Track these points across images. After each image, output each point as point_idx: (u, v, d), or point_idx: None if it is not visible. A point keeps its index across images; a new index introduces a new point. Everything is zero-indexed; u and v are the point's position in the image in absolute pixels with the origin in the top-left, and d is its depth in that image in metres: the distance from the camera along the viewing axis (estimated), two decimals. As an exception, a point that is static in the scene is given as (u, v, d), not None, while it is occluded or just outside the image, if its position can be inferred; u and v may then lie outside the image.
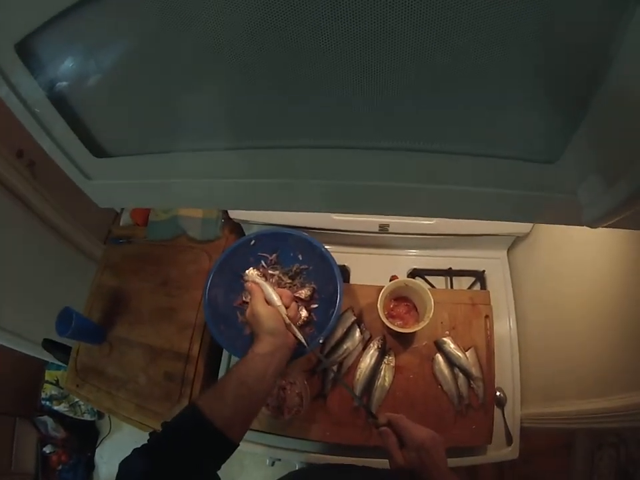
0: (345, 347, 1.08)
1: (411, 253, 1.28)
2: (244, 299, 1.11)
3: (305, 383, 1.06)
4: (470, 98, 0.46)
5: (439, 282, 1.23)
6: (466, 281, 1.23)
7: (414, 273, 1.23)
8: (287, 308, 0.89)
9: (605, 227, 0.54)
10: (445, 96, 0.46)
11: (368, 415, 0.82)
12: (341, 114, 0.50)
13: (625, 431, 1.18)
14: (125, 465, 0.63)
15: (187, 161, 0.61)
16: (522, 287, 1.20)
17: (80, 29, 0.45)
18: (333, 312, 1.00)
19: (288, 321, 0.86)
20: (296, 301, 1.10)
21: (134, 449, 0.65)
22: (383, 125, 0.50)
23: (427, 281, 1.21)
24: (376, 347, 1.09)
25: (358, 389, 1.06)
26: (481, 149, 0.51)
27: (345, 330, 1.10)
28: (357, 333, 1.10)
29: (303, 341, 0.88)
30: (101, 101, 0.56)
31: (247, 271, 1.13)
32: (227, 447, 0.69)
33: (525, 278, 1.20)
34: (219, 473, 0.69)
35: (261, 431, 1.07)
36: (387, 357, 1.08)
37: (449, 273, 1.23)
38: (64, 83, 0.52)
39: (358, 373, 1.07)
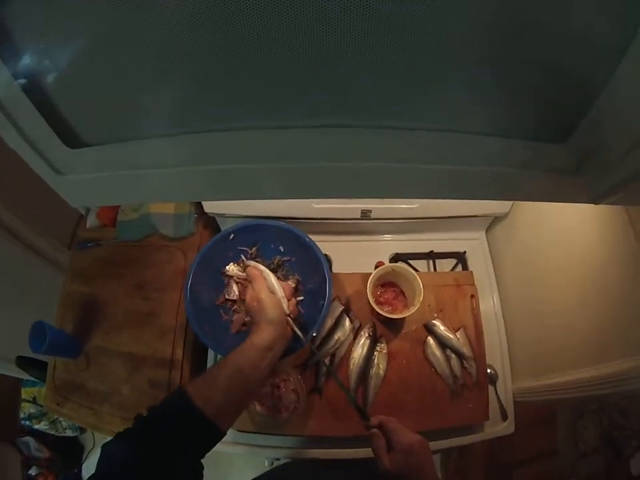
0: (336, 337, 1.07)
1: (391, 238, 1.27)
2: (227, 296, 1.07)
3: (299, 377, 1.04)
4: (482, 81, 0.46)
5: (421, 265, 1.23)
6: (447, 263, 1.24)
7: (396, 258, 1.23)
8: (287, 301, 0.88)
9: (607, 203, 0.56)
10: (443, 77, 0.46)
11: (360, 416, 0.83)
12: (324, 88, 0.48)
13: (606, 397, 1.23)
14: (107, 448, 0.61)
15: (165, 147, 0.57)
16: (502, 266, 1.22)
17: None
18: (323, 303, 0.98)
19: (288, 312, 0.86)
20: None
21: (117, 433, 0.63)
22: (382, 104, 0.49)
23: (409, 265, 1.21)
24: (367, 335, 1.08)
25: (352, 379, 1.05)
26: (491, 128, 0.51)
27: (334, 320, 1.09)
28: (347, 322, 1.08)
29: (300, 334, 0.86)
30: (76, 82, 0.50)
31: (227, 267, 1.09)
32: (214, 435, 0.68)
33: (505, 256, 1.22)
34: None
35: (258, 432, 1.04)
36: (378, 344, 1.07)
37: (431, 256, 1.23)
38: (35, 62, 0.47)
39: (351, 362, 1.06)
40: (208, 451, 0.69)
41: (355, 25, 0.39)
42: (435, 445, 1.04)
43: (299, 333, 0.86)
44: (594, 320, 0.87)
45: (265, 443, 1.06)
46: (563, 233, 0.95)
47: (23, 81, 0.47)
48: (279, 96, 0.48)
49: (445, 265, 1.24)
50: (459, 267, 1.23)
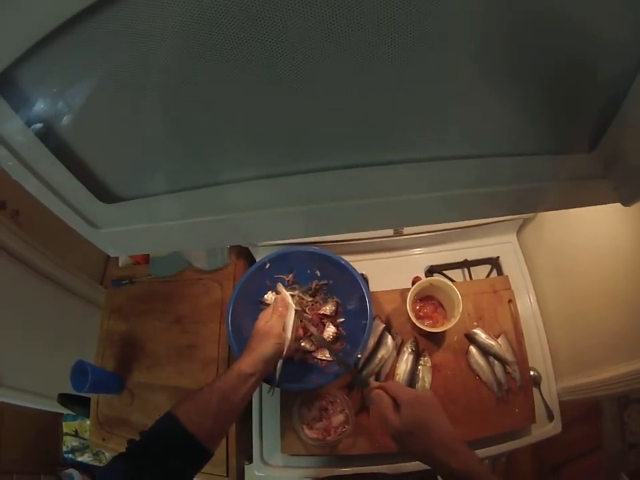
0: (379, 355, 1.07)
1: (425, 251, 1.27)
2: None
3: (346, 398, 1.04)
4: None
5: (457, 275, 1.23)
6: (482, 270, 1.24)
7: (431, 270, 1.23)
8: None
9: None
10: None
11: (359, 383, 0.86)
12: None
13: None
14: (102, 472, 0.66)
15: (209, 197, 0.58)
16: (536, 266, 1.22)
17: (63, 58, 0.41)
18: (365, 322, 0.99)
19: (284, 355, 0.88)
20: (321, 319, 1.09)
21: (113, 457, 0.66)
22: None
23: (445, 275, 1.21)
24: (410, 350, 1.08)
25: (400, 396, 1.05)
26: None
27: (376, 339, 1.09)
28: (389, 340, 1.09)
29: (276, 380, 0.90)
30: (107, 141, 0.52)
31: (265, 296, 1.11)
32: (204, 457, 0.72)
33: (538, 256, 1.21)
34: None
35: (310, 455, 1.05)
36: (422, 358, 1.07)
37: (465, 265, 1.23)
38: (61, 126, 0.48)
39: (396, 379, 1.06)
40: (198, 472, 0.72)
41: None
42: (484, 452, 1.04)
43: (277, 377, 0.89)
44: (631, 312, 0.86)
45: (317, 464, 1.07)
46: (594, 226, 0.94)
47: (52, 144, 0.49)
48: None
49: (480, 271, 1.24)
50: (494, 273, 1.22)
